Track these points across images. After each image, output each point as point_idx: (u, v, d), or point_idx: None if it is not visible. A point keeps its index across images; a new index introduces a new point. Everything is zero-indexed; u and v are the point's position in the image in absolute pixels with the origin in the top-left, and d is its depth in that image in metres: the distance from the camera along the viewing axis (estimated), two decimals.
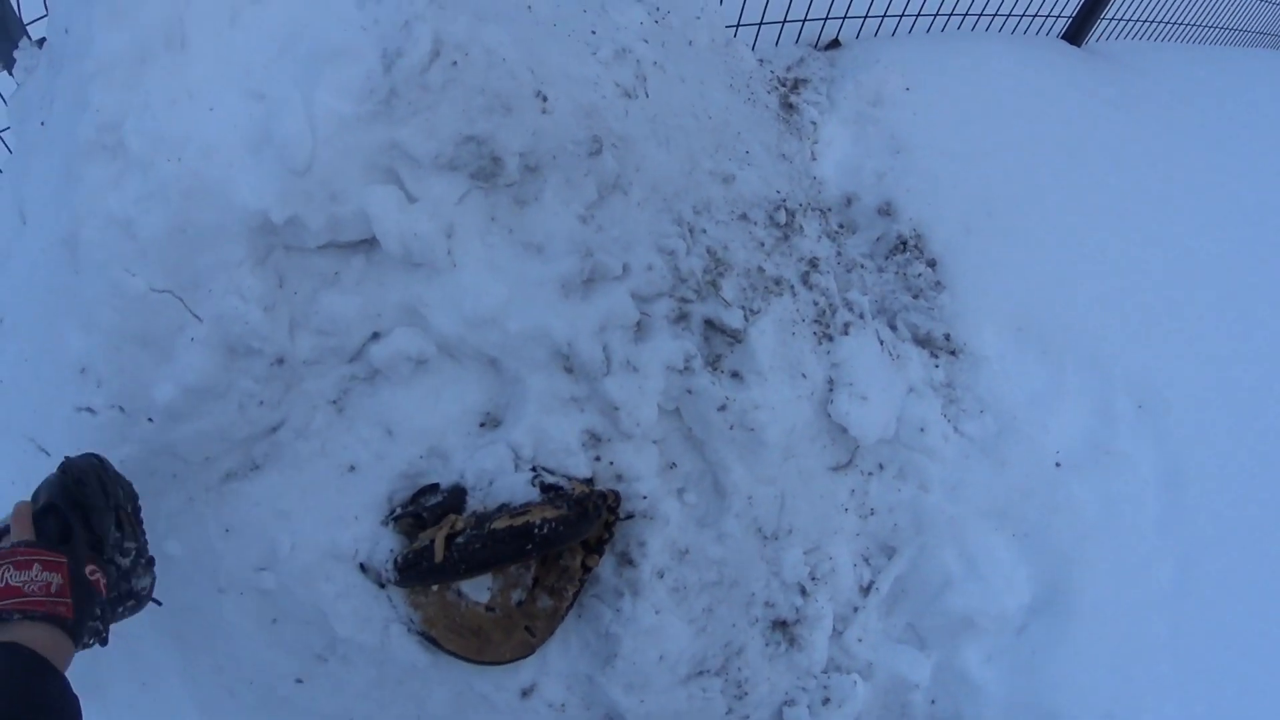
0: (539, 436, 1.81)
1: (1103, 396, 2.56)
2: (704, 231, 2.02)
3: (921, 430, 2.25)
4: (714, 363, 1.96)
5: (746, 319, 1.97)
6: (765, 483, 2.03)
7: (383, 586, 1.82)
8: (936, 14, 2.99)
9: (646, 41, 2.12)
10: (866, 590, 2.28)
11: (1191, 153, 3.27)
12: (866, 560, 2.30)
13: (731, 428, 1.94)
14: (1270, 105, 4.08)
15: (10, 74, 2.17)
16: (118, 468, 1.62)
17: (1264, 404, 2.74)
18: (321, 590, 1.80)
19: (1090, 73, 3.41)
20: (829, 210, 2.42)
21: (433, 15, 1.67)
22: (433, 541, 1.71)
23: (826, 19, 2.74)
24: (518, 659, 1.86)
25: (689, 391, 1.92)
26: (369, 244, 1.75)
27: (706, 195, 2.06)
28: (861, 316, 2.22)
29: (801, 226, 2.21)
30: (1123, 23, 4.04)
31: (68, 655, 1.25)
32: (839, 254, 2.31)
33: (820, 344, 2.13)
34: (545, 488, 1.78)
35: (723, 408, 1.92)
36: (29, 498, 1.42)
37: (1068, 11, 3.51)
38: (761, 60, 2.54)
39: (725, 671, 2.08)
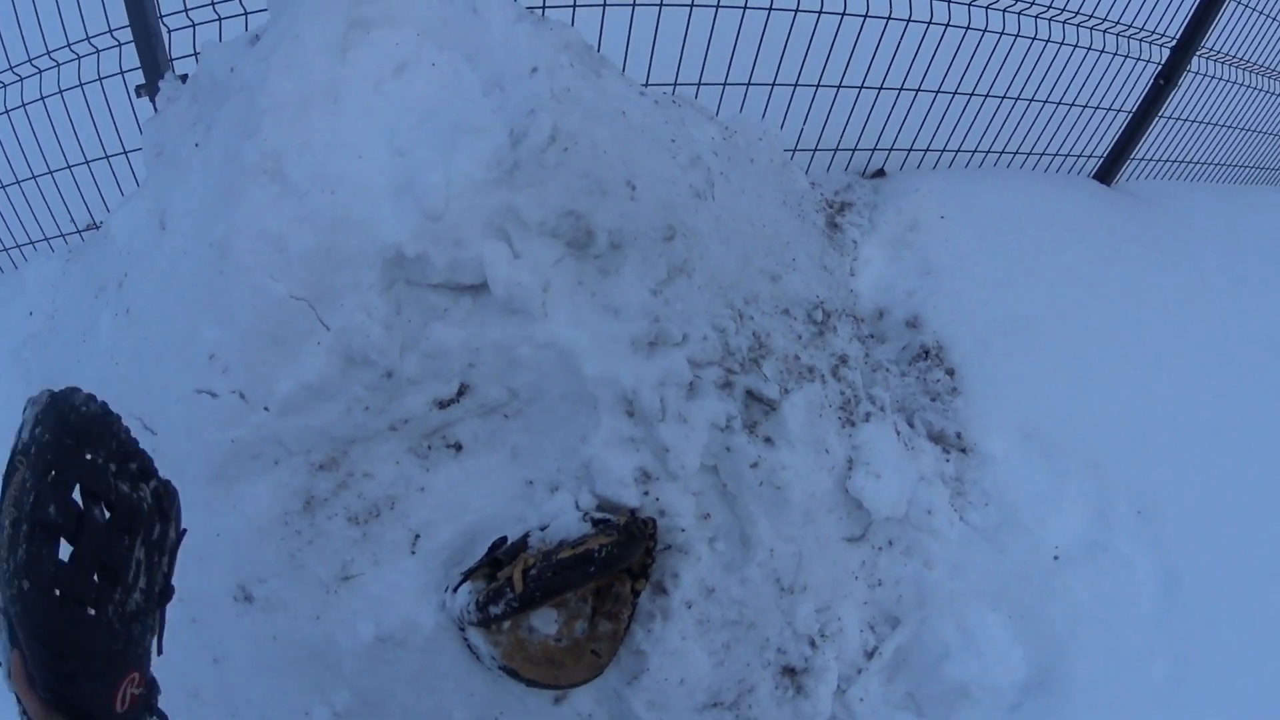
0: (601, 466, 2.49)
1: (1102, 501, 3.17)
2: (751, 318, 2.73)
3: (929, 513, 2.89)
4: (751, 427, 2.64)
5: (782, 394, 2.67)
6: (786, 540, 2.67)
7: (463, 630, 2.42)
8: (975, 150, 3.78)
9: (716, 154, 2.89)
10: (871, 654, 2.85)
11: (1208, 287, 4.01)
12: (872, 627, 2.89)
13: (761, 484, 2.60)
14: None
15: (152, 101, 2.95)
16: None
17: (1261, 522, 3.35)
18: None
19: (1117, 210, 4.17)
20: (862, 319, 3.15)
21: (553, 108, 2.40)
22: (510, 578, 2.32)
23: (874, 150, 3.53)
24: (590, 679, 2.45)
25: (728, 449, 2.59)
26: (476, 289, 2.43)
27: (756, 289, 2.79)
28: (882, 409, 2.91)
29: (835, 328, 2.93)
30: (1152, 163, 4.81)
31: None
32: (867, 355, 3.02)
33: (843, 428, 2.82)
34: (595, 522, 2.43)
35: (755, 465, 2.59)
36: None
37: (1099, 152, 4.31)
38: (814, 183, 3.31)
39: (737, 707, 2.67)
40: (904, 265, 3.28)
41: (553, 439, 2.56)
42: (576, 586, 2.37)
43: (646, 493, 2.52)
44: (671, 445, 2.50)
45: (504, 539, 2.46)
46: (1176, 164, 5.05)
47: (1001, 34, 3.63)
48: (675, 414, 2.52)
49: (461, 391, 2.52)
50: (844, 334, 2.95)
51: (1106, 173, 4.51)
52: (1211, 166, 5.33)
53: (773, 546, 2.65)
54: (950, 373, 3.12)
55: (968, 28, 3.57)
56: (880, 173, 3.65)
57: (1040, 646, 2.92)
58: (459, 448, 2.57)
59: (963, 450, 3.04)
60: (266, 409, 2.36)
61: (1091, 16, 3.82)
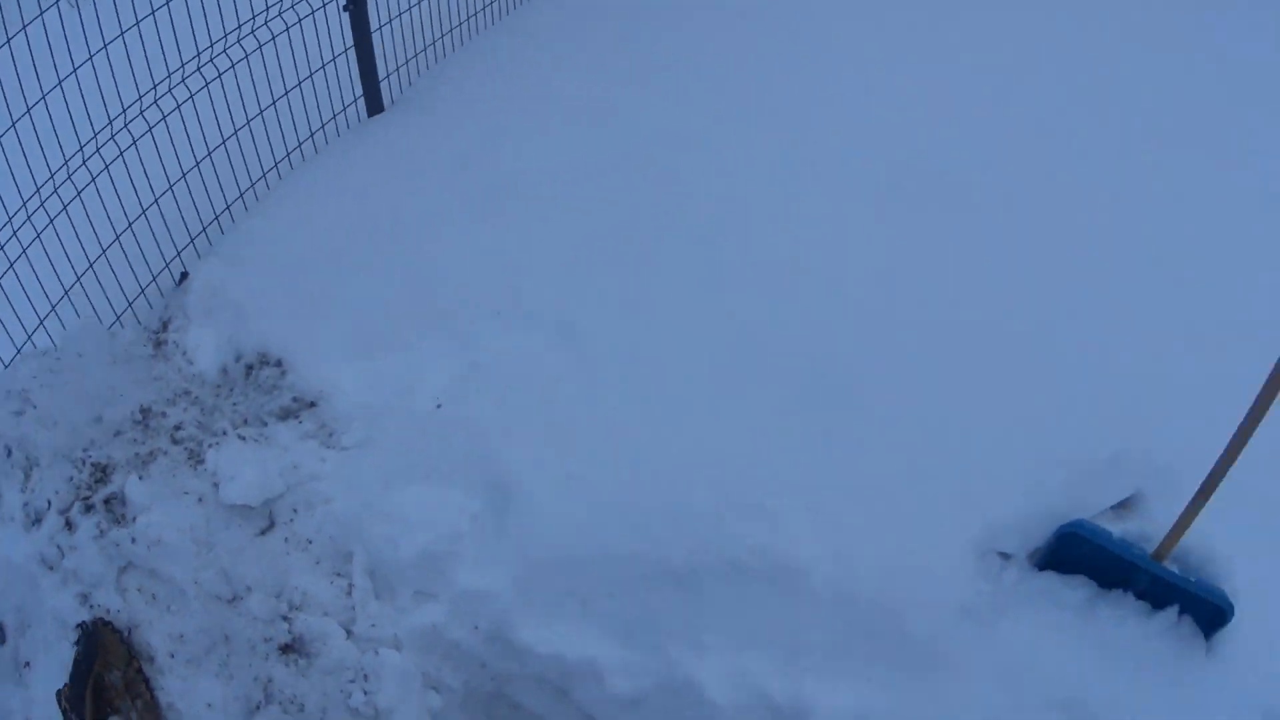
0: (57, 610, 3.93)
1: (455, 333, 4.23)
2: (91, 457, 4.18)
3: (296, 467, 4.13)
4: (121, 519, 4.05)
5: (122, 484, 4.05)
6: (199, 568, 3.99)
7: None
8: (244, 192, 4.94)
9: (35, 378, 4.34)
10: (349, 592, 3.77)
11: (477, 132, 5.23)
12: (337, 574, 3.83)
13: (149, 547, 3.97)
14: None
15: None
16: None
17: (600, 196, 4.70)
18: None
19: (394, 126, 5.32)
20: (217, 388, 4.48)
21: None
22: (63, 706, 3.84)
23: (168, 264, 4.74)
24: None
25: (116, 544, 4.00)
26: None
27: (88, 438, 4.25)
28: (224, 434, 4.27)
29: (165, 413, 4.31)
30: (410, 64, 5.55)
31: None
32: (202, 410, 4.34)
33: (196, 468, 4.17)
34: (76, 643, 3.90)
35: (134, 540, 4.00)
36: None
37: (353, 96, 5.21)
38: (144, 325, 4.64)
39: (272, 698, 3.60)
40: (223, 324, 4.52)
41: (41, 618, 4.05)
42: (82, 684, 3.77)
43: (92, 606, 3.98)
44: (76, 568, 3.98)
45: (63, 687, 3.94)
46: (427, 50, 5.69)
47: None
48: (69, 547, 4.01)
49: None
50: (175, 412, 4.31)
51: (375, 105, 5.23)
52: (454, 30, 5.91)
53: (195, 579, 4.01)
54: (278, 364, 4.40)
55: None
56: (184, 275, 4.77)
57: (477, 475, 3.85)
58: (29, 664, 4.09)
59: (311, 405, 4.29)
60: None
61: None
